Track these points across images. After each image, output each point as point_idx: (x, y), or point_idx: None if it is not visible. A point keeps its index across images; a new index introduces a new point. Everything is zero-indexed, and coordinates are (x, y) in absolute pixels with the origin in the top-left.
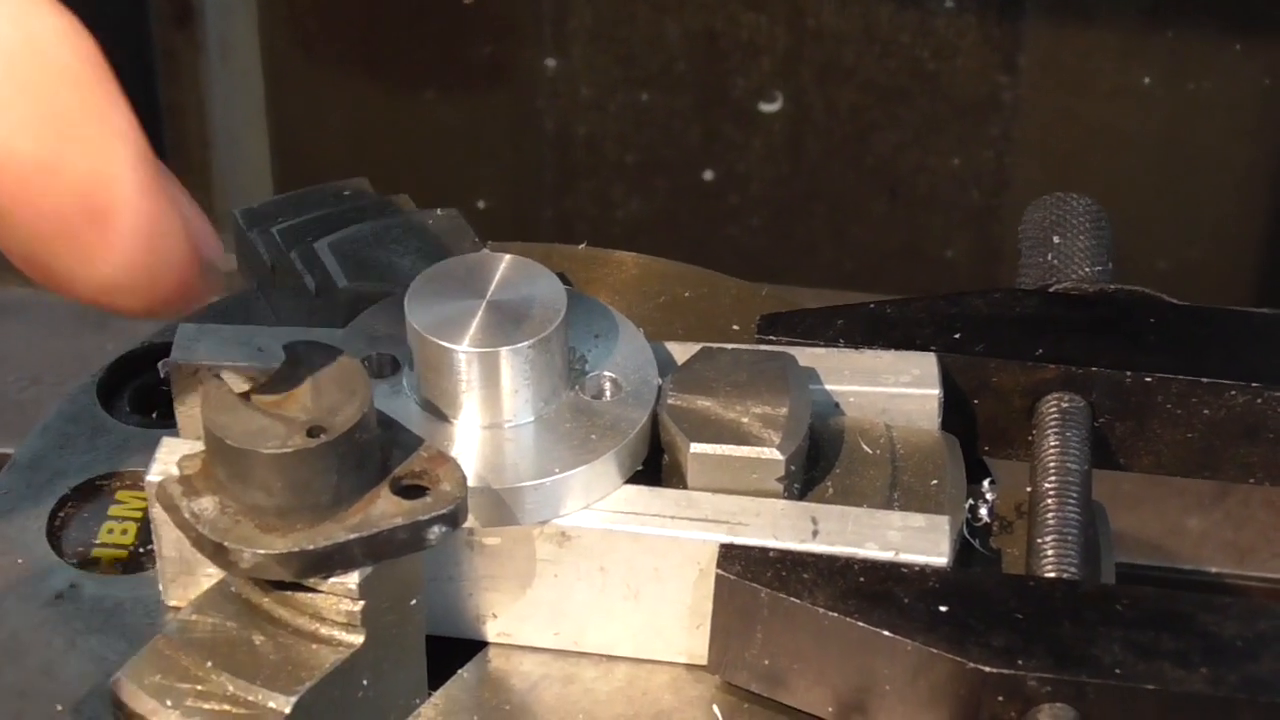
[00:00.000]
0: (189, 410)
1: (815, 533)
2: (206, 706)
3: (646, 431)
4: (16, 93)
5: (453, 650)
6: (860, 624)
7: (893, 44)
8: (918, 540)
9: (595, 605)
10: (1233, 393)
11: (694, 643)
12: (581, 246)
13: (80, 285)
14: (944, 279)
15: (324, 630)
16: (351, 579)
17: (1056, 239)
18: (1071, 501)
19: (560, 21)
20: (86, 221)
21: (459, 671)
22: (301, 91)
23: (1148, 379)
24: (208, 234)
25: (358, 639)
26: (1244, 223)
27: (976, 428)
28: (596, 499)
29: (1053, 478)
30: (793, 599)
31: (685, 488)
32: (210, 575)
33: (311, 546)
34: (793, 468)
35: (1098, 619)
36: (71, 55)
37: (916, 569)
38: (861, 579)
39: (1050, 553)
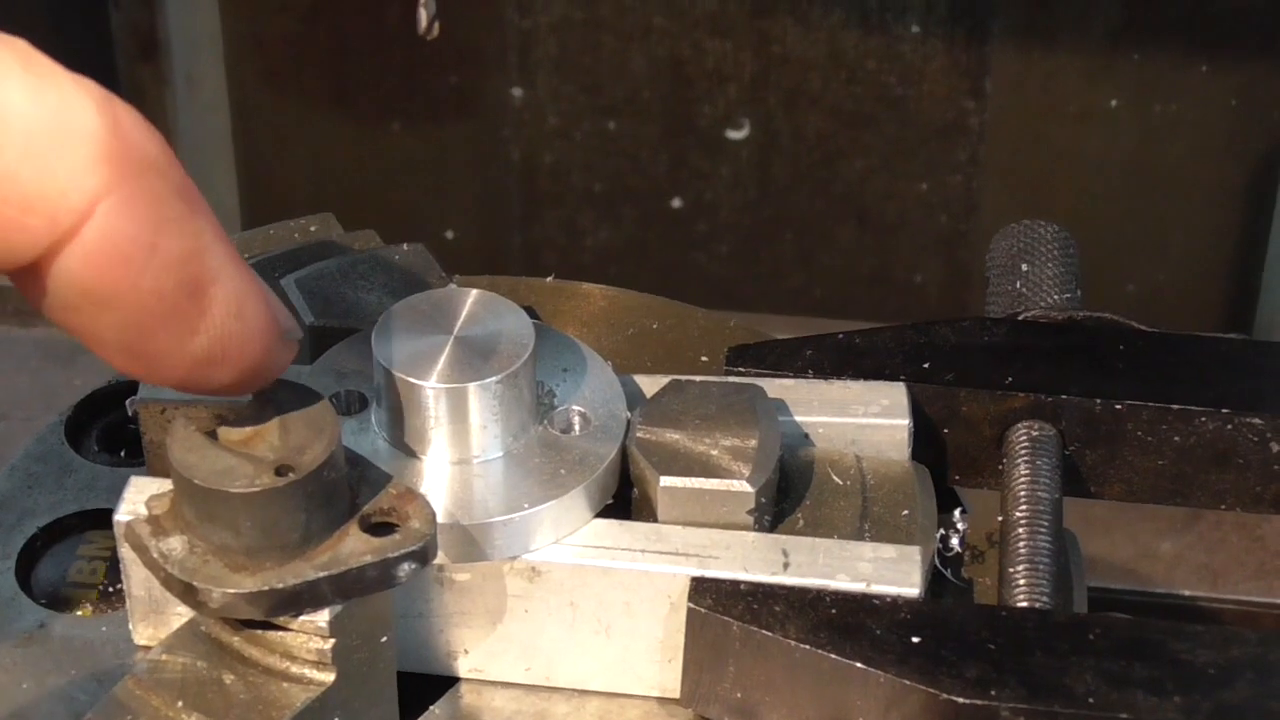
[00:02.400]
0: (157, 449)
1: (786, 565)
2: None
3: (616, 465)
4: (117, 180)
5: (424, 687)
6: (832, 656)
7: (859, 70)
8: (889, 571)
9: (566, 640)
10: (1202, 419)
11: (666, 676)
12: (549, 279)
13: (174, 363)
14: (913, 304)
15: (294, 669)
16: (321, 617)
17: (1025, 267)
18: (1043, 530)
19: (525, 51)
20: (186, 296)
21: (430, 708)
22: (268, 125)
23: (1117, 406)
24: (279, 302)
25: (328, 677)
26: (1213, 245)
27: (947, 457)
28: (566, 534)
29: (1024, 506)
30: (764, 632)
31: (655, 521)
32: (180, 614)
33: (281, 585)
34: (763, 500)
35: (1070, 648)
36: (152, 140)
37: (888, 600)
38: (833, 611)
39: (1022, 582)
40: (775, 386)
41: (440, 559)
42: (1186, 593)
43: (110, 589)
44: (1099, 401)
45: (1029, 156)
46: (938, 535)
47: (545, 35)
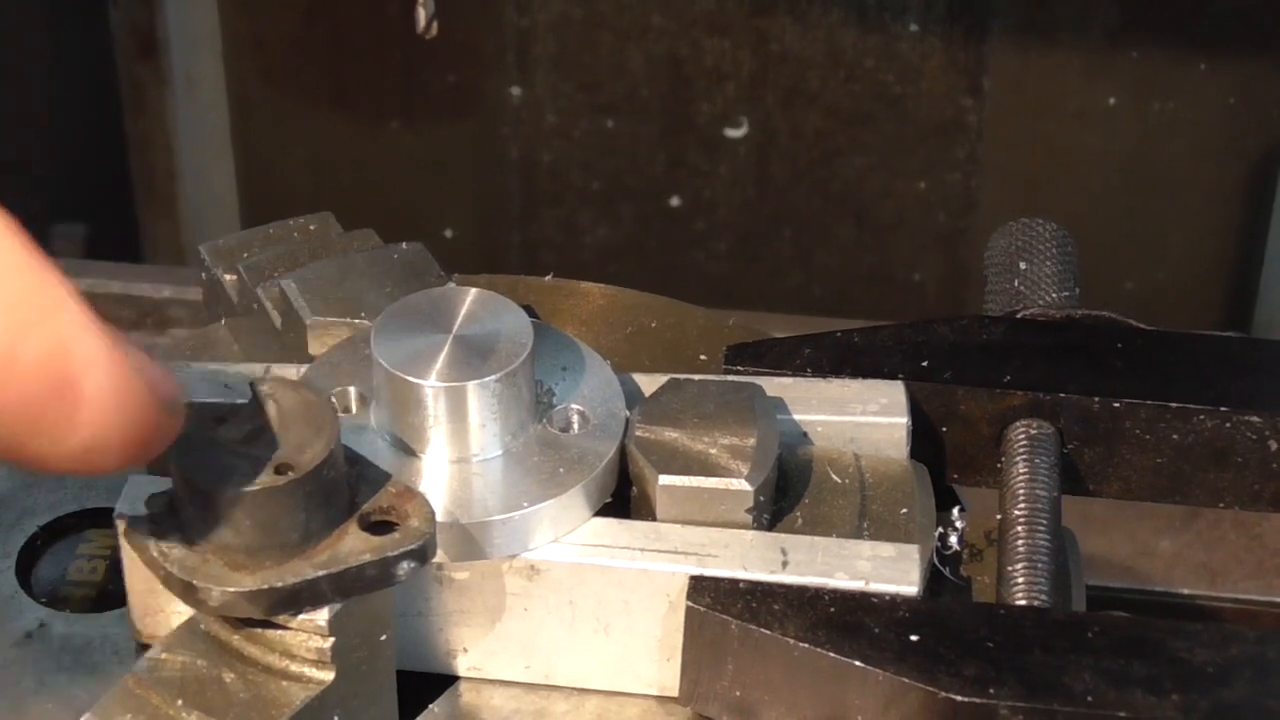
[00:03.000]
0: None
1: (785, 563)
2: None
3: (614, 464)
4: None
5: (423, 685)
6: (831, 654)
7: (857, 68)
8: (888, 570)
9: (565, 638)
10: (1201, 417)
11: (665, 675)
12: (548, 278)
13: (56, 460)
14: (912, 302)
15: (294, 667)
16: (321, 616)
17: (1023, 265)
18: (1041, 528)
19: (524, 49)
20: (55, 398)
21: (430, 706)
22: (267, 123)
23: (1116, 404)
24: (159, 372)
25: (328, 676)
26: (1211, 243)
27: (945, 455)
28: (565, 532)
29: (1022, 505)
30: (763, 630)
31: (654, 520)
32: (180, 613)
33: (280, 584)
34: (761, 498)
35: (1069, 647)
36: (4, 241)
37: (887, 598)
38: (832, 609)
39: (1021, 580)
40: (774, 385)
41: (439, 557)
42: (1185, 591)
43: (110, 587)
44: (1097, 400)
45: (1027, 155)
46: (936, 533)
47: (543, 34)
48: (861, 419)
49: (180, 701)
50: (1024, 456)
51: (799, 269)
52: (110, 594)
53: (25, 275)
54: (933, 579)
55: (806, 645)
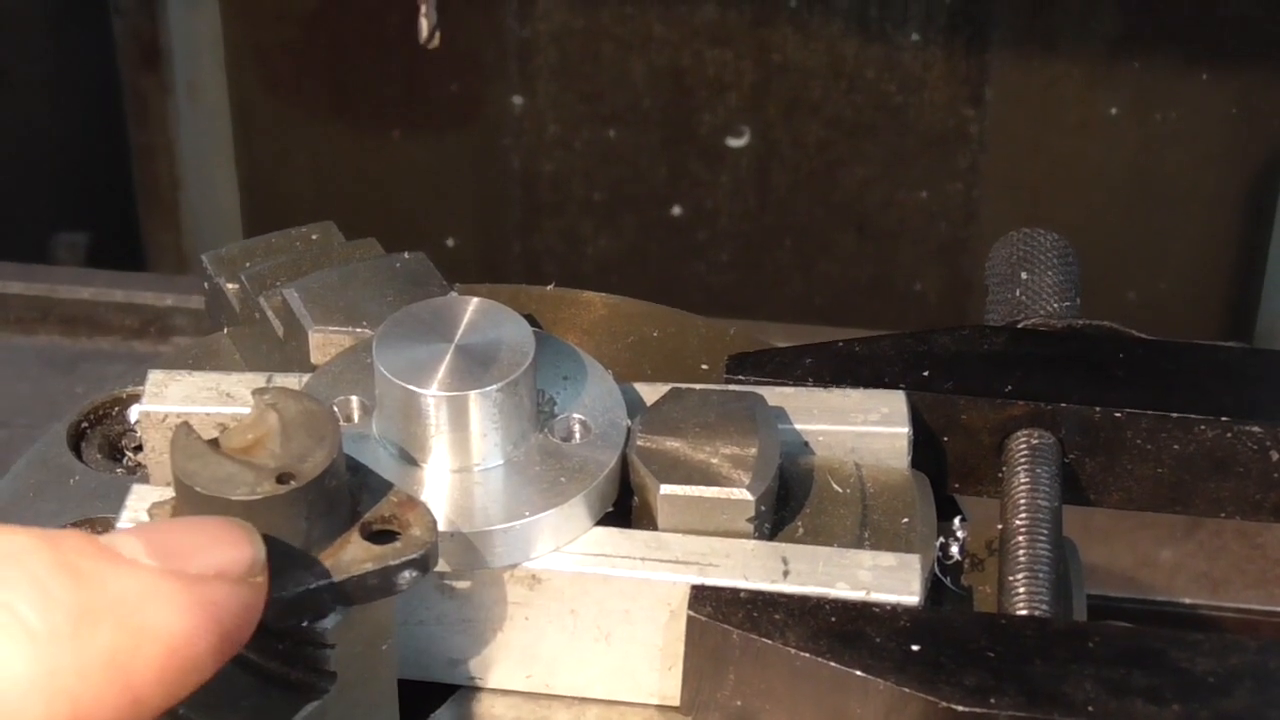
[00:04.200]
0: (159, 457)
1: (786, 573)
2: None
3: (616, 473)
4: None
5: (425, 694)
6: (832, 664)
7: (859, 78)
8: (889, 579)
9: (567, 648)
10: (1202, 427)
11: (666, 684)
12: (550, 287)
13: (173, 691)
14: (914, 312)
15: (295, 675)
16: (322, 624)
17: (1024, 275)
18: (1042, 538)
19: (526, 59)
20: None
21: (431, 715)
22: (269, 133)
23: (1117, 414)
24: (219, 555)
25: (329, 684)
26: (1213, 252)
27: (946, 465)
28: (566, 541)
29: (1023, 515)
30: (764, 640)
31: (655, 529)
32: None
33: (282, 592)
34: (763, 508)
35: (1069, 657)
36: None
37: (888, 608)
38: (833, 619)
39: (1021, 590)
40: (775, 394)
41: (441, 567)
42: (1186, 601)
43: None
44: (1098, 410)
45: (1029, 164)
46: (937, 543)
47: (545, 44)
48: (863, 429)
49: (182, 710)
50: (1025, 466)
51: (800, 278)
52: None
53: (53, 594)
54: (934, 588)
55: (808, 655)
